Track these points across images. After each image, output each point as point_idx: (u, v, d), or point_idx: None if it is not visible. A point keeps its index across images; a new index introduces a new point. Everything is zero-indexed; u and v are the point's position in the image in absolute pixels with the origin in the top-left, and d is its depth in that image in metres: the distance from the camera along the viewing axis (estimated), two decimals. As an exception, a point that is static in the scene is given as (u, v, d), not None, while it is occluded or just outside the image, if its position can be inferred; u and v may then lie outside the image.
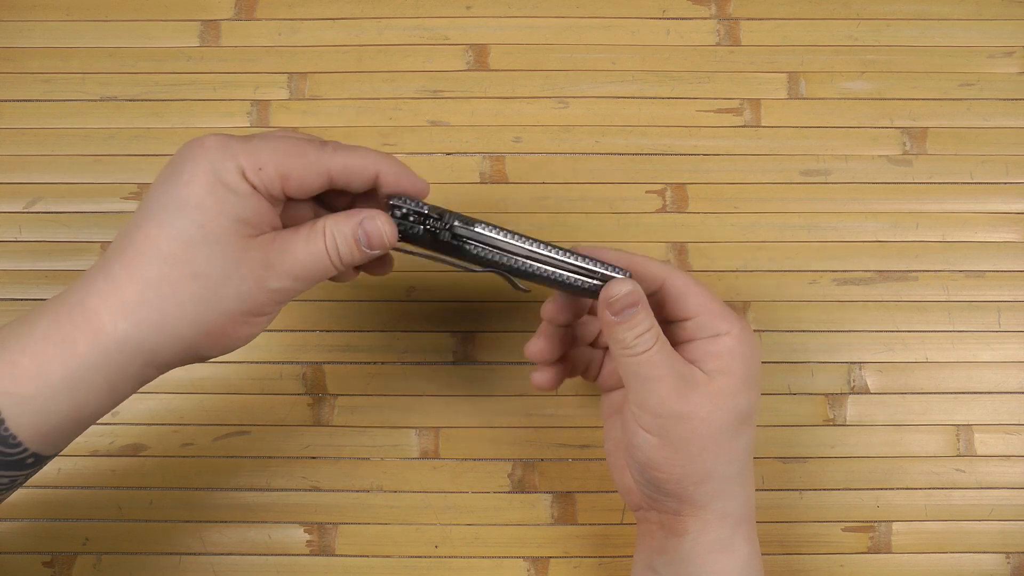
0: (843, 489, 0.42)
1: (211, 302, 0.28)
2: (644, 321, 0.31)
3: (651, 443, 0.32)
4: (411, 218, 0.33)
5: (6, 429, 0.27)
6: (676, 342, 0.33)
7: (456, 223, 0.33)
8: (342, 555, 0.42)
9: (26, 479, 0.30)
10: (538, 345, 0.36)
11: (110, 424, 0.43)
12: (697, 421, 0.31)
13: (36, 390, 0.27)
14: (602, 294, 0.32)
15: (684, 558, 0.33)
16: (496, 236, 0.33)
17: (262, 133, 0.31)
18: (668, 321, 0.34)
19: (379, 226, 0.31)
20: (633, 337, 0.31)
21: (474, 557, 0.42)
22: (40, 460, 0.29)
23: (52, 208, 0.45)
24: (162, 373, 0.30)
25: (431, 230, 0.33)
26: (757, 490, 0.42)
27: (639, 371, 0.31)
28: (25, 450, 0.28)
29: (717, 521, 0.33)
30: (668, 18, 0.47)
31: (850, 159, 0.46)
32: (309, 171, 0.30)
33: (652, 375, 0.31)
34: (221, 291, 0.28)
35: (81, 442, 0.43)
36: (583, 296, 0.34)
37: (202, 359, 0.30)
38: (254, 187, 0.29)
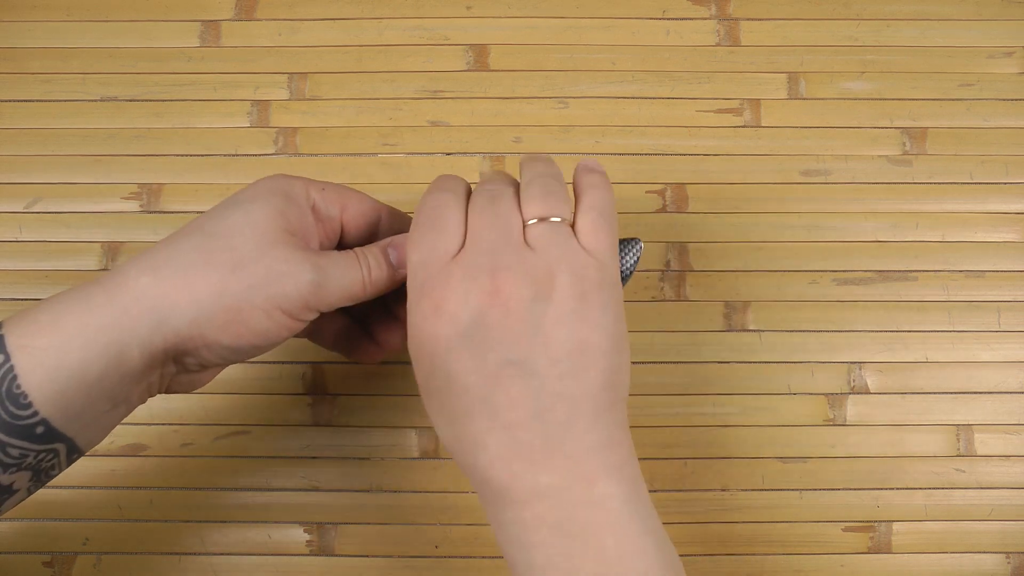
0: (843, 489, 0.42)
1: (239, 277, 0.28)
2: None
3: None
4: None
5: (18, 386, 0.26)
6: None
7: None
8: (342, 555, 0.42)
9: (37, 476, 0.28)
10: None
11: (110, 424, 0.43)
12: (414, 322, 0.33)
13: (49, 342, 0.26)
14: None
15: None
16: None
17: None
18: None
19: (404, 246, 0.32)
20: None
21: (474, 557, 0.42)
22: (49, 434, 0.27)
23: (52, 208, 0.45)
24: (167, 357, 0.28)
25: None
26: (757, 490, 0.42)
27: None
28: (35, 413, 0.26)
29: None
30: (668, 18, 0.47)
31: (850, 159, 0.46)
32: (365, 203, 0.33)
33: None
34: (252, 268, 0.28)
35: (81, 442, 0.43)
36: None
37: (210, 346, 0.29)
38: (314, 206, 0.31)
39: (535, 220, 0.29)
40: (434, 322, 0.28)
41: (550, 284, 0.27)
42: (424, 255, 0.29)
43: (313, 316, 0.31)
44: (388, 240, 0.32)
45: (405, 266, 0.31)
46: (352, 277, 0.31)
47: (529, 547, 0.27)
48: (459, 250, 0.29)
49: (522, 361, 0.27)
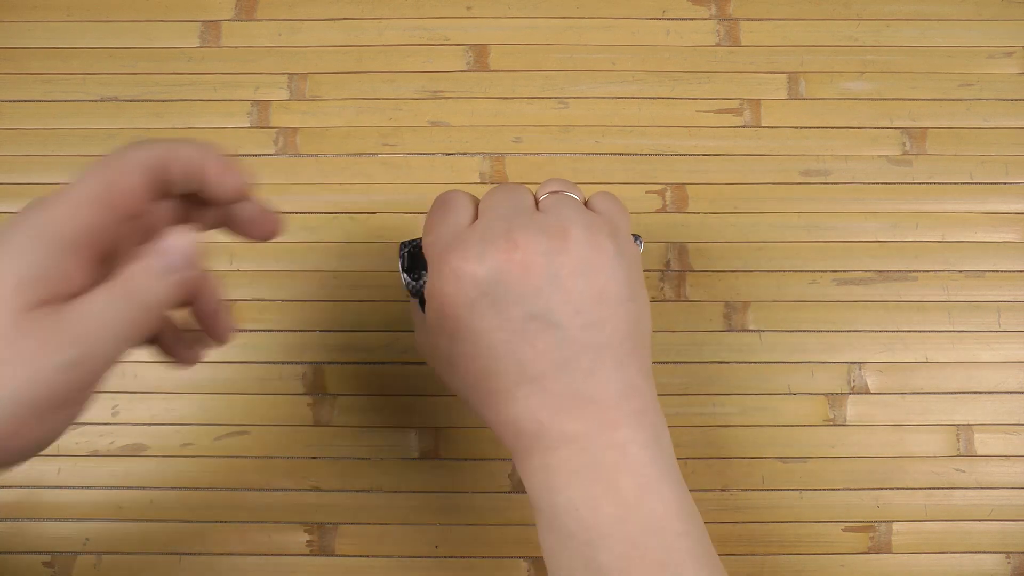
0: (843, 489, 0.42)
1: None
2: None
3: None
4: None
5: None
6: None
7: None
8: (342, 555, 0.42)
9: None
10: None
11: (110, 424, 0.43)
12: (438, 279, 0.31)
13: None
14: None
15: None
16: None
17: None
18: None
19: (180, 242, 0.25)
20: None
21: (474, 557, 0.42)
22: None
23: (52, 208, 0.45)
24: None
25: None
26: (757, 490, 0.42)
27: None
28: None
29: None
30: (668, 18, 0.47)
31: (850, 159, 0.46)
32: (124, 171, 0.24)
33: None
34: None
35: (81, 442, 0.43)
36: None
37: None
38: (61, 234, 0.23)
39: (547, 195, 0.31)
40: (456, 286, 0.28)
41: (564, 237, 0.28)
42: (439, 232, 0.30)
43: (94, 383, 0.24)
44: (154, 245, 0.25)
45: (181, 266, 0.25)
46: (120, 316, 0.24)
47: (554, 491, 0.28)
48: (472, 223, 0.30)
49: (545, 314, 0.27)
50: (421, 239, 0.32)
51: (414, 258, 0.33)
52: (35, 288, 0.22)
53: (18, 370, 0.22)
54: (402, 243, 0.34)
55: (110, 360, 0.24)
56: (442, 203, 0.31)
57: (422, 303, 0.33)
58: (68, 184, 0.24)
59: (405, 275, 0.33)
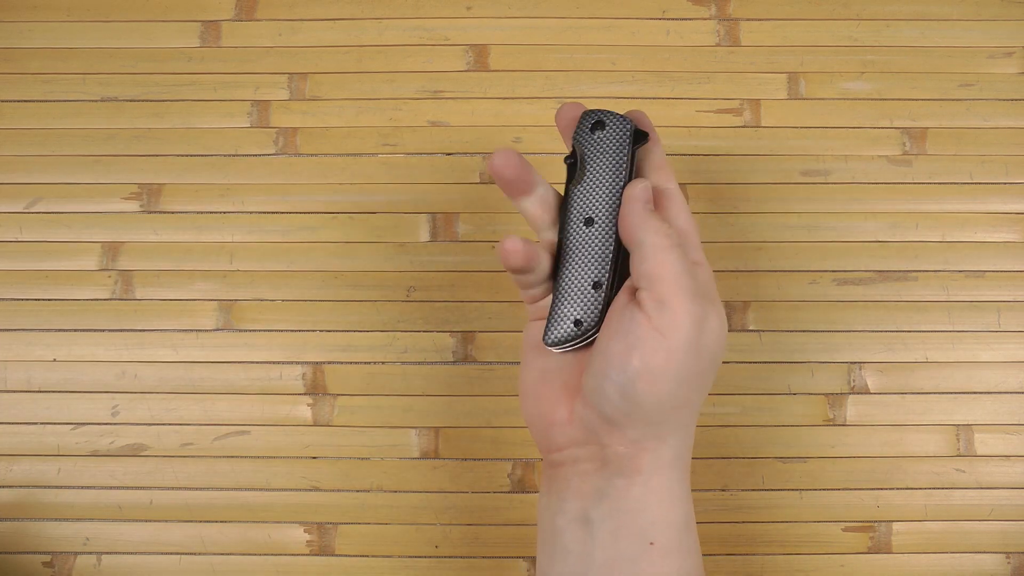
0: (843, 489, 0.42)
1: None
2: (671, 221, 0.31)
3: (657, 344, 0.28)
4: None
5: None
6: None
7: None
8: (342, 555, 0.42)
9: None
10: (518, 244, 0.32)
11: (110, 424, 0.43)
12: (709, 326, 0.29)
13: None
14: (627, 192, 0.31)
15: (634, 506, 0.28)
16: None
17: None
18: None
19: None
20: (664, 227, 0.30)
21: (474, 557, 0.42)
22: None
23: (52, 208, 0.45)
24: None
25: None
26: (757, 490, 0.42)
27: (666, 249, 0.29)
28: None
29: (670, 463, 0.29)
30: (668, 18, 0.47)
31: (850, 159, 0.46)
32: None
33: (673, 258, 0.29)
34: None
35: (81, 442, 0.43)
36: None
37: None
38: None
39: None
40: (720, 332, 0.30)
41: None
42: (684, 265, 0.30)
43: None
44: None
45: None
46: None
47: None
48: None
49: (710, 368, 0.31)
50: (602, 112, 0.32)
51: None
52: None
53: None
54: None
55: None
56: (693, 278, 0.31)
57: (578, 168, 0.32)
58: None
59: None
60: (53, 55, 0.47)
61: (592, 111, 0.32)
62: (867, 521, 0.42)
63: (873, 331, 0.44)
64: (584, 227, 0.32)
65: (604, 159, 0.32)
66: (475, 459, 0.43)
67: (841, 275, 0.44)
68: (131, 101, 0.46)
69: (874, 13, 0.47)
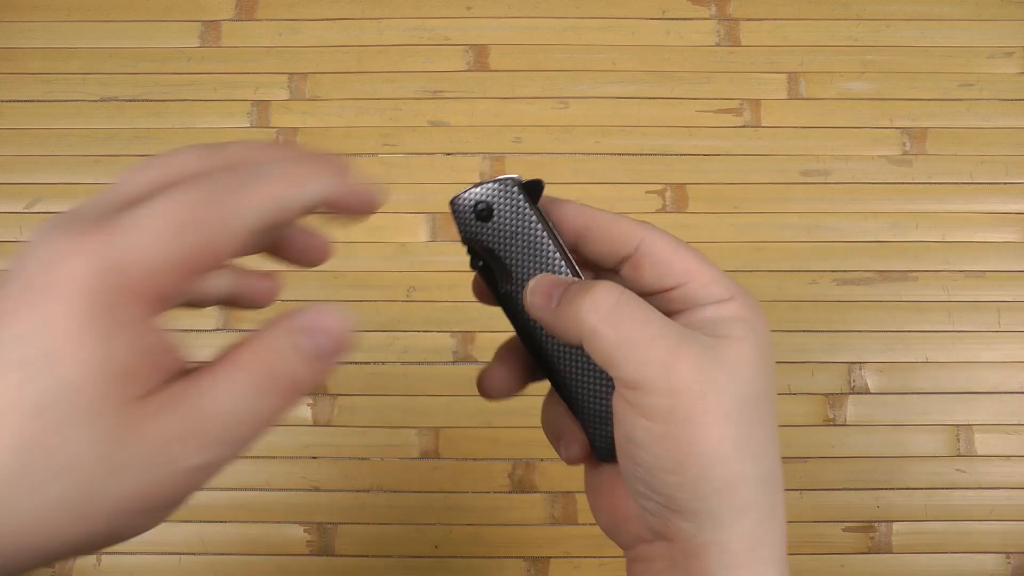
0: (843, 489, 0.42)
1: (90, 504, 0.18)
2: (594, 285, 0.23)
3: (655, 433, 0.23)
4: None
5: None
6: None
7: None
8: (342, 555, 0.42)
9: None
10: (497, 373, 0.28)
11: (110, 424, 0.43)
12: (712, 395, 0.23)
13: None
14: (525, 293, 0.25)
15: None
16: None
17: (132, 207, 0.19)
18: (649, 293, 0.26)
19: (334, 320, 0.21)
20: (589, 304, 0.23)
21: (474, 557, 0.42)
22: None
23: (52, 208, 0.45)
24: None
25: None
26: (757, 490, 0.42)
27: (619, 336, 0.22)
28: None
29: (747, 551, 0.24)
30: (668, 18, 0.47)
31: (850, 159, 0.46)
32: (223, 246, 0.19)
33: (639, 336, 0.22)
34: (104, 488, 0.18)
35: (81, 442, 0.43)
36: None
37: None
38: (136, 304, 0.19)
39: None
40: (761, 363, 0.25)
41: None
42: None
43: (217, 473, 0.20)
44: (297, 322, 0.21)
45: (341, 351, 0.21)
46: (261, 414, 0.20)
47: None
48: None
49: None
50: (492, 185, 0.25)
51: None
52: (134, 380, 0.18)
53: (135, 476, 0.18)
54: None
55: (241, 452, 0.20)
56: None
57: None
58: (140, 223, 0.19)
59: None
60: (53, 55, 0.47)
61: (462, 196, 0.25)
62: (867, 521, 0.42)
63: (873, 331, 0.44)
64: (554, 340, 0.26)
65: (515, 244, 0.25)
66: (475, 459, 0.43)
67: (841, 275, 0.44)
68: (131, 101, 0.46)
69: (874, 13, 0.47)
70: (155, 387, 0.19)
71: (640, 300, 0.23)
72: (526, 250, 0.25)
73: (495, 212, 0.25)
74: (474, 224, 0.26)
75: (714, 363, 0.23)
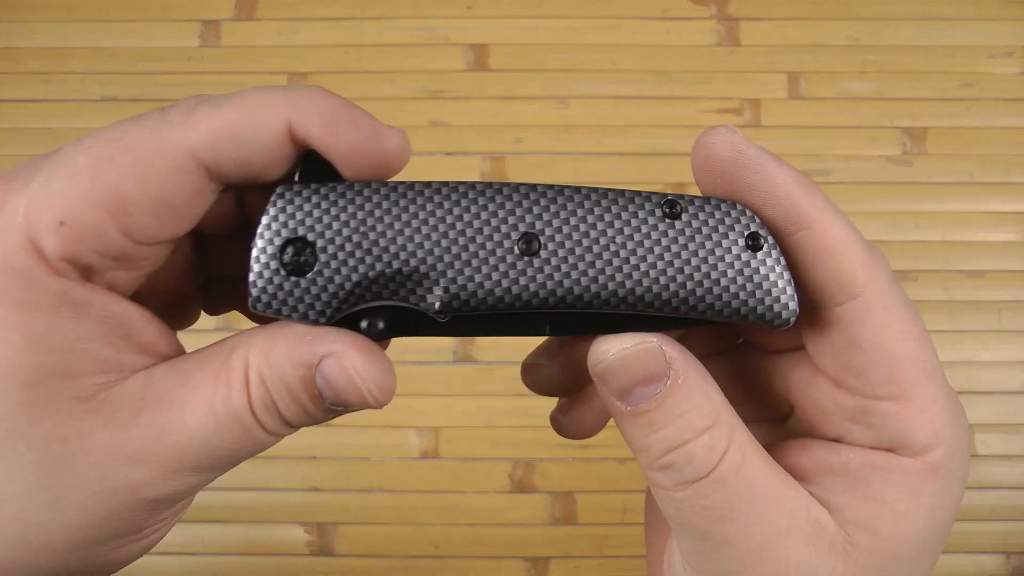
0: (843, 489, 0.42)
1: (33, 540, 0.14)
2: (691, 411, 0.16)
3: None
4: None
5: None
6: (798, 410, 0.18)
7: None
8: (342, 555, 0.42)
9: None
10: (547, 370, 0.21)
11: (110, 424, 0.43)
12: None
13: None
14: (589, 355, 0.18)
15: None
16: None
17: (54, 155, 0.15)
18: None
19: (352, 363, 0.17)
20: (665, 448, 0.16)
21: (474, 557, 0.42)
22: None
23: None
24: None
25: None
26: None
27: (692, 521, 0.16)
28: None
29: None
30: (668, 18, 0.47)
31: (850, 159, 0.46)
32: (158, 174, 0.15)
33: (722, 533, 0.16)
34: (43, 521, 0.14)
35: (81, 442, 0.43)
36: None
37: None
38: (61, 270, 0.14)
39: None
40: None
41: None
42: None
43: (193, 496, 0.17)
44: (311, 349, 0.17)
45: (353, 403, 0.17)
46: (244, 445, 0.16)
47: None
48: None
49: None
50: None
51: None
52: (68, 376, 0.14)
53: (90, 505, 0.14)
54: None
55: (216, 477, 0.16)
56: None
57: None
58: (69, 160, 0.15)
59: None
60: (53, 55, 0.47)
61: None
62: (867, 521, 0.42)
63: (873, 331, 0.44)
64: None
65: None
66: (475, 459, 0.43)
67: (841, 275, 0.44)
68: (131, 101, 0.46)
69: (874, 13, 0.47)
70: (108, 382, 0.14)
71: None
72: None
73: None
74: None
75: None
